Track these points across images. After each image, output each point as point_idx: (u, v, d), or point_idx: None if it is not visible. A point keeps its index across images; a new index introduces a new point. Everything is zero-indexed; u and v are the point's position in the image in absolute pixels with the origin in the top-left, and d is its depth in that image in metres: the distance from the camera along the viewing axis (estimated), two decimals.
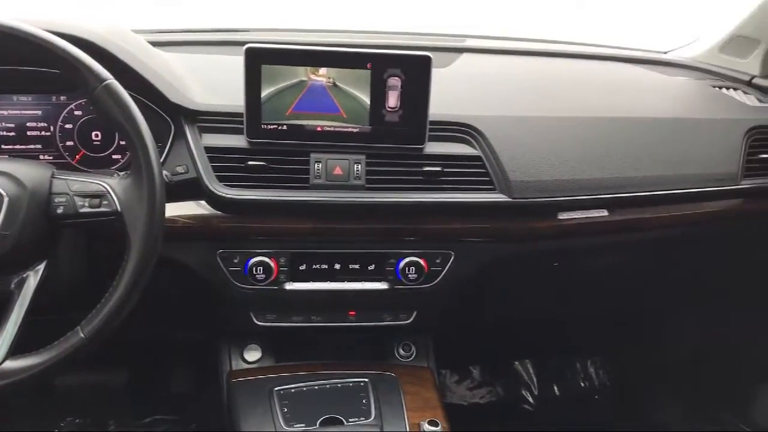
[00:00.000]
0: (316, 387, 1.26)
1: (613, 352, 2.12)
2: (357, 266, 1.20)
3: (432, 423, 1.16)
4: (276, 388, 1.24)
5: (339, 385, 1.26)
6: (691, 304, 1.85)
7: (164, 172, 1.05)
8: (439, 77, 1.20)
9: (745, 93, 1.58)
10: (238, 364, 1.32)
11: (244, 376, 1.28)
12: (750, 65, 1.65)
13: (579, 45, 1.84)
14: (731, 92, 1.58)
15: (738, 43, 1.66)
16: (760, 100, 1.55)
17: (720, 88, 1.60)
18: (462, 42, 1.65)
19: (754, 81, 1.63)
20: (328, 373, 1.29)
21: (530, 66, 1.63)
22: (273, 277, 1.17)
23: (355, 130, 1.14)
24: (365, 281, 1.21)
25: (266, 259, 1.16)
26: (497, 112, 1.29)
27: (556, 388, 2.11)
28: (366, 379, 1.27)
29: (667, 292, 1.75)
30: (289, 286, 1.19)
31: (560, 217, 1.25)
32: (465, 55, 1.55)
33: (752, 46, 1.63)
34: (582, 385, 2.13)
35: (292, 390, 1.24)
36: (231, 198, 1.10)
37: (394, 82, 1.12)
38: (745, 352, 1.74)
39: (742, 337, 1.76)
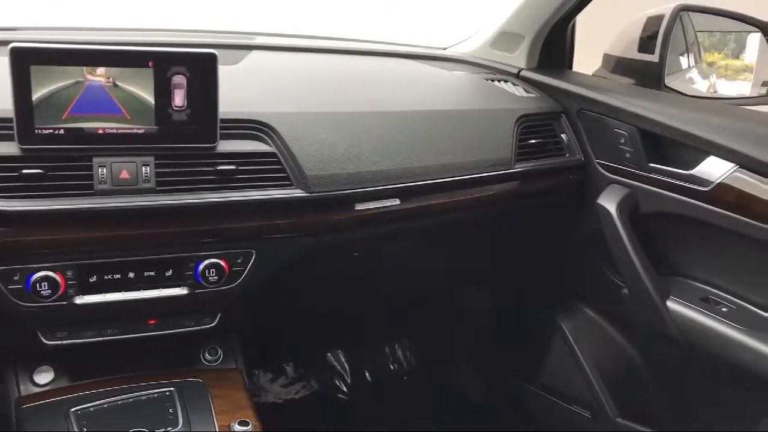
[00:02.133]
0: (118, 402, 1.19)
1: (417, 334, 2.23)
2: (153, 273, 1.15)
3: (242, 423, 1.15)
4: (73, 409, 1.15)
5: (143, 398, 1.21)
6: (482, 282, 2.00)
7: None
8: (229, 75, 1.19)
9: (514, 85, 1.72)
10: (27, 389, 1.21)
11: (35, 401, 1.18)
12: (517, 59, 1.81)
13: (367, 43, 1.92)
14: (502, 84, 1.72)
15: (506, 38, 1.82)
16: (527, 91, 1.70)
17: (492, 80, 1.73)
18: (251, 39, 1.65)
19: (522, 73, 1.79)
20: (131, 386, 1.22)
21: (321, 63, 1.67)
22: (60, 292, 1.08)
23: (140, 131, 1.09)
24: (163, 288, 1.17)
25: (51, 274, 1.07)
26: (290, 108, 1.30)
27: (367, 374, 2.19)
28: (171, 388, 1.23)
29: (461, 272, 1.87)
30: (80, 300, 1.11)
31: (357, 208, 1.28)
32: (255, 53, 1.55)
33: (518, 41, 1.79)
34: (391, 368, 2.22)
35: (91, 409, 1.16)
36: (4, 210, 1.01)
37: (179, 80, 1.09)
38: (528, 320, 1.91)
39: (525, 306, 1.93)
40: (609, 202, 1.50)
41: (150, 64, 1.07)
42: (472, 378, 2.10)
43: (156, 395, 1.21)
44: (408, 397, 2.15)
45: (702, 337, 1.35)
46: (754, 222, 1.27)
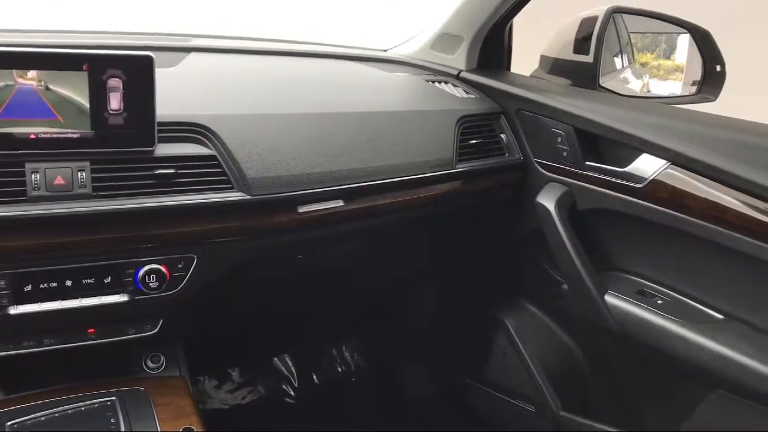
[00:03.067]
0: (57, 414, 1.15)
1: (363, 335, 2.24)
2: (91, 281, 1.13)
3: (187, 430, 1.14)
4: (9, 423, 1.11)
5: (83, 408, 1.17)
6: (427, 282, 2.01)
7: None
8: (167, 77, 1.17)
9: (454, 86, 1.74)
10: None
11: None
12: (457, 60, 1.83)
13: (309, 44, 1.91)
14: (443, 86, 1.74)
15: (445, 40, 1.84)
16: (467, 92, 1.72)
17: (433, 82, 1.75)
18: (188, 41, 1.62)
19: (461, 75, 1.81)
20: (71, 397, 1.19)
21: (261, 65, 1.65)
22: None
23: (75, 136, 1.06)
24: (102, 296, 1.14)
25: None
26: (230, 110, 1.29)
27: (315, 377, 2.18)
28: (113, 398, 1.20)
29: (406, 273, 1.88)
30: (14, 310, 1.08)
31: (300, 210, 1.28)
32: (193, 55, 1.53)
33: (457, 42, 1.82)
34: (339, 370, 2.22)
35: (29, 422, 1.13)
36: None
37: (115, 83, 1.07)
38: (472, 319, 1.93)
39: (469, 305, 1.95)
40: (548, 200, 1.53)
41: (84, 66, 1.05)
42: (420, 378, 2.12)
43: (97, 405, 1.18)
44: (356, 399, 2.15)
45: (638, 329, 1.39)
46: (686, 217, 1.32)
